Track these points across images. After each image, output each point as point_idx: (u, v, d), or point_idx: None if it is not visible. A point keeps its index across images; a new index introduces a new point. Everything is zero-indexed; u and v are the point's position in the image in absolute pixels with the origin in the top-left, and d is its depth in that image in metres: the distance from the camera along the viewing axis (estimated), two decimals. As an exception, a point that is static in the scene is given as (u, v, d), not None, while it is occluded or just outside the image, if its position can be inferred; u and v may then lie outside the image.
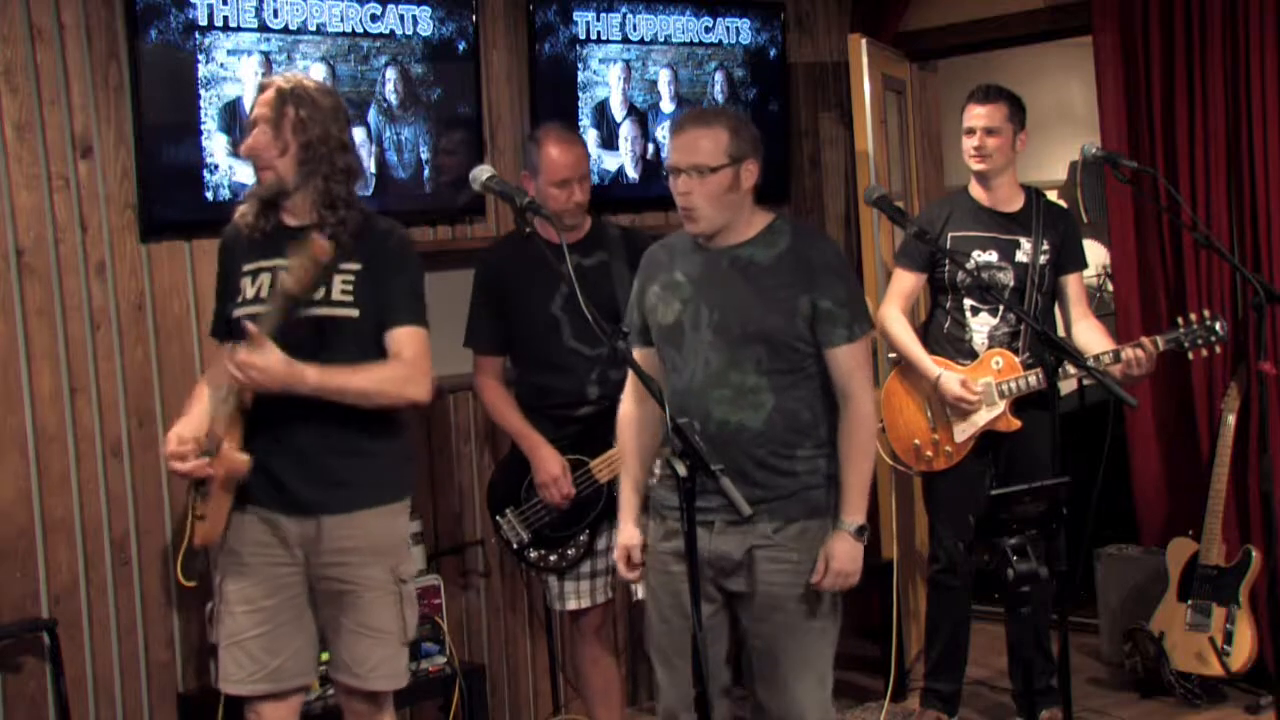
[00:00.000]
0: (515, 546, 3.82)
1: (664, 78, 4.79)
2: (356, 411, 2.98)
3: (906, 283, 4.25)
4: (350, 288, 2.98)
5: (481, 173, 2.98)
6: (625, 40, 4.67)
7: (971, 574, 4.23)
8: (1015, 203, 4.22)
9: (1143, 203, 4.64)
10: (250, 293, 3.03)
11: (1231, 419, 4.43)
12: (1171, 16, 4.57)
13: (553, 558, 3.78)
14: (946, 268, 4.15)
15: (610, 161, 4.65)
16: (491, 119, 4.45)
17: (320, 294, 2.97)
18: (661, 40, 4.77)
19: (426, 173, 4.25)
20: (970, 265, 4.11)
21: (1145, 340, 3.96)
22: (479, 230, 4.44)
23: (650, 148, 4.76)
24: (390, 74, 4.13)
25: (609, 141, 4.65)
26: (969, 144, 4.18)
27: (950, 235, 4.18)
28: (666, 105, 4.80)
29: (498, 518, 3.84)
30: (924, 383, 4.18)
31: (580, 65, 4.57)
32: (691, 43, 4.85)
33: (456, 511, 4.43)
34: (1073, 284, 4.24)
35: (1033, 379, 4.05)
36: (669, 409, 2.61)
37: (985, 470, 4.18)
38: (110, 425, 3.73)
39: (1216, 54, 4.49)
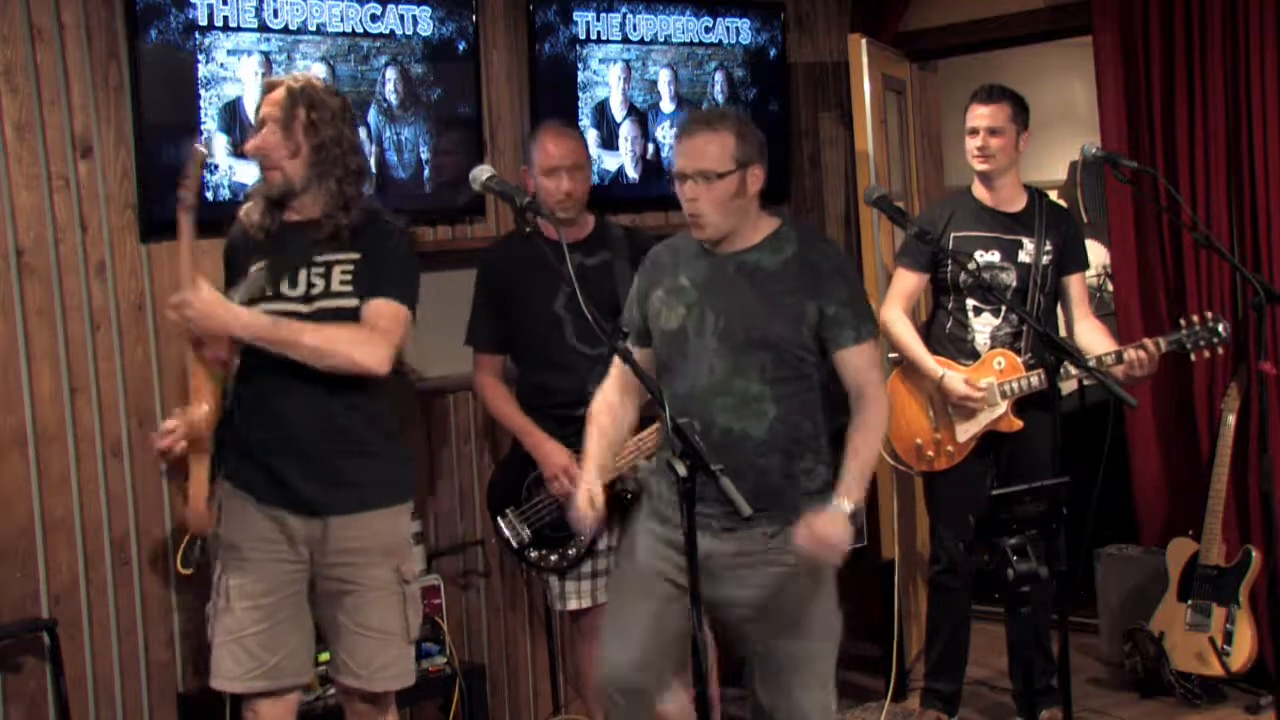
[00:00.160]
0: (515, 546, 3.82)
1: (664, 78, 4.79)
2: (355, 404, 2.98)
3: (908, 283, 4.24)
4: (349, 277, 2.99)
5: (481, 173, 2.99)
6: (625, 40, 4.67)
7: (971, 574, 4.23)
8: (1018, 203, 4.22)
9: (1143, 203, 4.64)
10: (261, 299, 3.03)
11: (1231, 419, 4.43)
12: (1171, 16, 4.57)
13: (553, 557, 3.78)
14: (949, 268, 4.15)
15: (610, 161, 4.65)
16: (491, 119, 4.44)
17: (320, 286, 2.97)
18: (661, 40, 4.77)
19: (426, 173, 4.25)
20: (972, 266, 4.11)
21: (1148, 341, 3.96)
22: (479, 230, 4.44)
23: (650, 148, 4.76)
24: (390, 74, 4.13)
25: (609, 141, 4.64)
26: (972, 144, 4.18)
27: (953, 235, 4.18)
28: (666, 105, 4.80)
29: (498, 518, 3.84)
30: (926, 383, 4.18)
31: (580, 65, 4.57)
32: (691, 43, 4.85)
33: (456, 511, 4.43)
34: (1075, 284, 4.24)
35: (1035, 379, 4.05)
36: (668, 412, 2.61)
37: (987, 470, 4.18)
38: (110, 425, 3.73)
39: (1216, 54, 4.49)
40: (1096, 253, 6.01)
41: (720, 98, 4.92)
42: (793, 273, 3.02)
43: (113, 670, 3.74)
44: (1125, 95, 4.71)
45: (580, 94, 4.58)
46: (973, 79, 4.70)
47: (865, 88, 4.70)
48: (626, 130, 4.71)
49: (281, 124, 2.97)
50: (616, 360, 3.16)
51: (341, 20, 4.01)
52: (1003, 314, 4.14)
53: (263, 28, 3.86)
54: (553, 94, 4.50)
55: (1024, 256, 4.15)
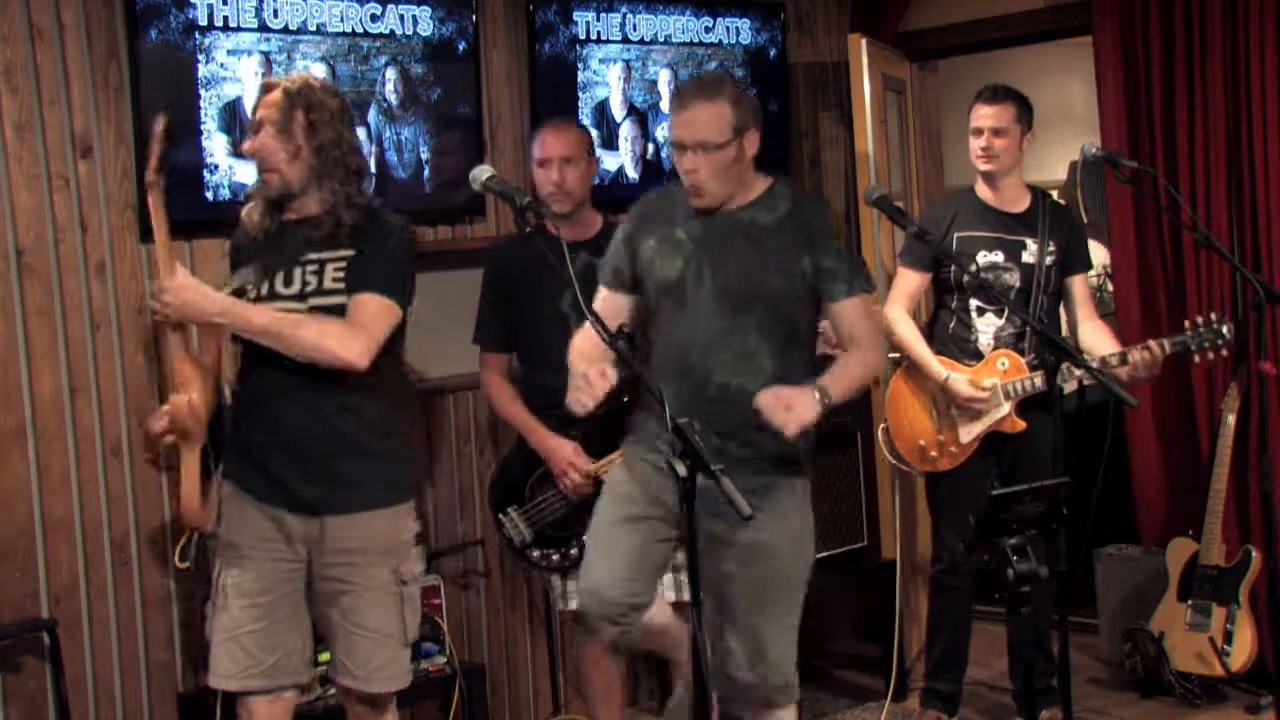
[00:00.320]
0: (517, 545, 3.82)
1: (664, 78, 4.79)
2: (350, 406, 2.98)
3: (911, 282, 4.24)
4: (341, 274, 2.98)
5: (481, 173, 2.99)
6: (625, 40, 4.67)
7: (972, 574, 4.23)
8: (1021, 203, 4.22)
9: (1143, 203, 4.64)
10: (252, 292, 3.03)
11: (1231, 419, 4.42)
12: (1171, 16, 4.57)
13: (555, 556, 3.77)
14: (951, 267, 4.15)
15: (610, 161, 4.64)
16: (491, 119, 4.44)
17: (313, 284, 2.97)
18: (661, 40, 4.77)
19: (426, 173, 4.25)
20: (975, 266, 4.10)
21: (1152, 343, 3.96)
22: (479, 230, 4.44)
23: (650, 148, 4.76)
24: (390, 74, 4.13)
25: (609, 141, 4.64)
26: (976, 144, 4.17)
27: (956, 235, 4.18)
28: (666, 105, 4.79)
29: (500, 516, 3.84)
30: (929, 383, 4.18)
31: (580, 65, 4.57)
32: (691, 43, 4.85)
33: (456, 511, 4.43)
34: (1078, 285, 4.24)
35: (1039, 380, 4.05)
36: (668, 411, 2.60)
37: (989, 471, 4.18)
38: (110, 425, 3.73)
39: (1216, 54, 4.49)
40: (1096, 253, 5.98)
41: (720, 97, 4.91)
42: (787, 229, 3.10)
43: (113, 670, 3.74)
44: (1125, 95, 4.71)
45: (580, 94, 4.58)
46: (973, 79, 4.70)
47: (865, 88, 4.70)
48: (626, 130, 4.71)
49: (279, 126, 2.96)
50: (595, 304, 3.15)
51: (341, 20, 4.01)
52: (1006, 314, 4.14)
53: (263, 28, 3.86)
54: (553, 94, 4.50)
55: (1027, 257, 4.15)
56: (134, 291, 3.76)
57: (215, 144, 3.80)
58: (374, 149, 4.10)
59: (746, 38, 5.00)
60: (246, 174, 3.68)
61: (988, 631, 4.82)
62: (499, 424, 4.45)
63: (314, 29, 3.95)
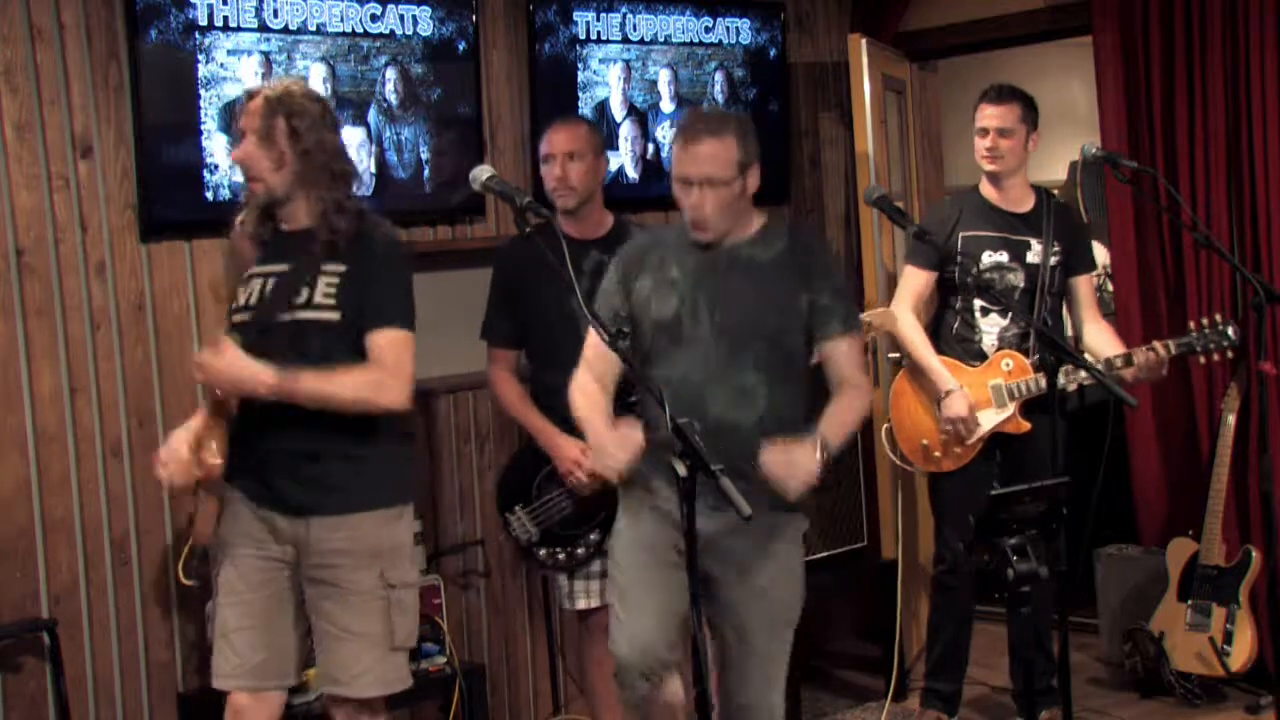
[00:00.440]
0: (524, 544, 3.81)
1: (664, 78, 4.79)
2: (343, 415, 2.97)
3: (918, 282, 4.23)
4: (334, 290, 2.97)
5: (481, 173, 2.99)
6: (625, 40, 4.67)
7: (972, 574, 4.23)
8: (1026, 203, 4.21)
9: (1143, 203, 4.64)
10: (243, 299, 3.03)
11: (1231, 419, 4.42)
12: (1171, 16, 4.57)
13: (561, 555, 3.77)
14: (955, 267, 4.14)
15: (610, 161, 4.64)
16: (491, 119, 4.44)
17: (304, 297, 2.96)
18: (661, 40, 4.77)
19: (426, 173, 4.25)
20: (979, 267, 4.10)
21: (1158, 344, 3.96)
22: (479, 230, 4.44)
23: (650, 148, 4.76)
24: (390, 74, 4.13)
25: (609, 141, 4.64)
26: (981, 144, 4.17)
27: (961, 235, 4.17)
28: (666, 105, 4.80)
29: (507, 514, 3.83)
30: (933, 384, 4.17)
31: (580, 65, 4.57)
32: (691, 43, 4.85)
33: (456, 511, 4.43)
34: (1083, 286, 4.24)
35: (1043, 380, 4.04)
36: (668, 412, 2.60)
37: (992, 471, 4.18)
38: (110, 425, 3.73)
39: (1216, 54, 4.49)
40: (1097, 253, 6.00)
41: (720, 98, 4.92)
42: (785, 265, 3.11)
43: (113, 670, 3.74)
44: (1125, 95, 4.71)
45: (580, 94, 4.58)
46: (973, 79, 4.70)
47: (865, 88, 4.70)
48: (626, 130, 4.71)
49: (260, 134, 2.95)
50: (586, 350, 3.18)
51: (341, 20, 4.01)
52: (1010, 315, 4.14)
53: (263, 28, 3.86)
54: (553, 94, 4.51)
55: (1032, 257, 4.14)
56: (134, 291, 3.76)
57: (215, 144, 3.80)
58: (374, 149, 4.10)
59: (746, 38, 5.00)
60: (246, 174, 3.68)
61: (988, 631, 4.82)
62: (499, 424, 4.45)
63: (314, 29, 3.95)
